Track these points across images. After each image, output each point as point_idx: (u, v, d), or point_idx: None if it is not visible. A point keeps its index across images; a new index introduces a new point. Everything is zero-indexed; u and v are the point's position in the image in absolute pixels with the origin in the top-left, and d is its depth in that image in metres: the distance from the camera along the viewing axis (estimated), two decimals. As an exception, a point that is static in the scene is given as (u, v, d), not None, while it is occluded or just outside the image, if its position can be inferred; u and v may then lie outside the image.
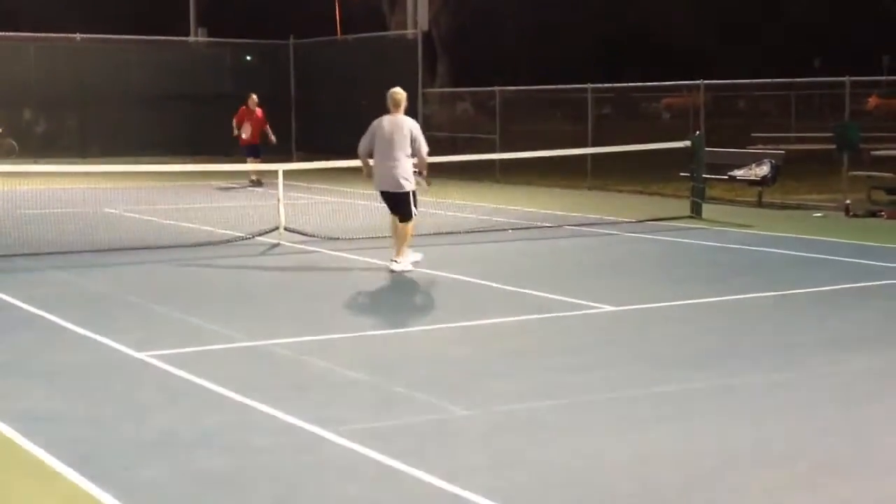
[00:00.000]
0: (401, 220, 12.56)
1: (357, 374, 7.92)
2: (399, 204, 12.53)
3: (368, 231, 15.74)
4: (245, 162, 23.42)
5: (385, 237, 14.38)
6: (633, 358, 8.47)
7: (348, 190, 22.71)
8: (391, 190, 12.50)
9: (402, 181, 12.41)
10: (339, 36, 36.42)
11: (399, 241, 12.57)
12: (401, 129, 12.41)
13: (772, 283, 11.73)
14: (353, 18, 40.33)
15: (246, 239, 15.08)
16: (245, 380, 7.69)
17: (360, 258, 13.63)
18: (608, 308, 10.43)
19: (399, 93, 12.64)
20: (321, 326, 9.63)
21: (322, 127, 30.26)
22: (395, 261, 12.48)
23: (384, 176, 12.47)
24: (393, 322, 10.11)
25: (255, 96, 24.49)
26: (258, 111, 24.37)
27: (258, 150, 24.26)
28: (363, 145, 12.67)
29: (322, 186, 23.16)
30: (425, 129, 27.61)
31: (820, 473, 5.91)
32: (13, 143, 28.86)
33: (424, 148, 12.54)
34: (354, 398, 7.33)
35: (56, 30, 31.27)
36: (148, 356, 8.33)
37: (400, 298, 11.42)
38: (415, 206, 12.60)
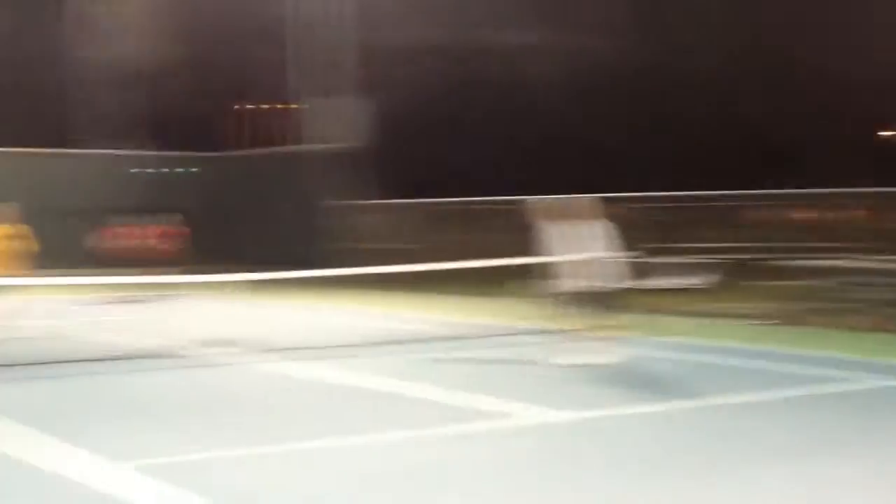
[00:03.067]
0: None
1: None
2: None
3: (281, 341, 15.34)
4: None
5: (299, 348, 13.84)
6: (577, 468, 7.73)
7: (263, 301, 21.89)
8: None
9: None
10: (251, 150, 35.98)
11: None
12: None
13: (707, 393, 11.08)
14: (273, 131, 39.99)
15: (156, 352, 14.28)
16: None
17: (272, 368, 12.84)
18: (537, 417, 9.76)
19: None
20: (243, 438, 8.75)
21: (235, 238, 29.63)
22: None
23: None
24: (306, 434, 9.10)
25: None
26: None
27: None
28: None
29: (239, 297, 22.22)
30: (342, 240, 27.45)
31: None
32: None
33: None
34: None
35: None
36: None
37: (311, 410, 10.49)
38: None
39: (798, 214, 26.79)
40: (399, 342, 15.63)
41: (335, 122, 28.37)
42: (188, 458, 8.19)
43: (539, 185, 27.49)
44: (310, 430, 9.42)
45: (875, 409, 10.44)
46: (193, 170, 33.85)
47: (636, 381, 12.21)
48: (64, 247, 28.47)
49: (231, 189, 31.76)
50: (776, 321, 17.72)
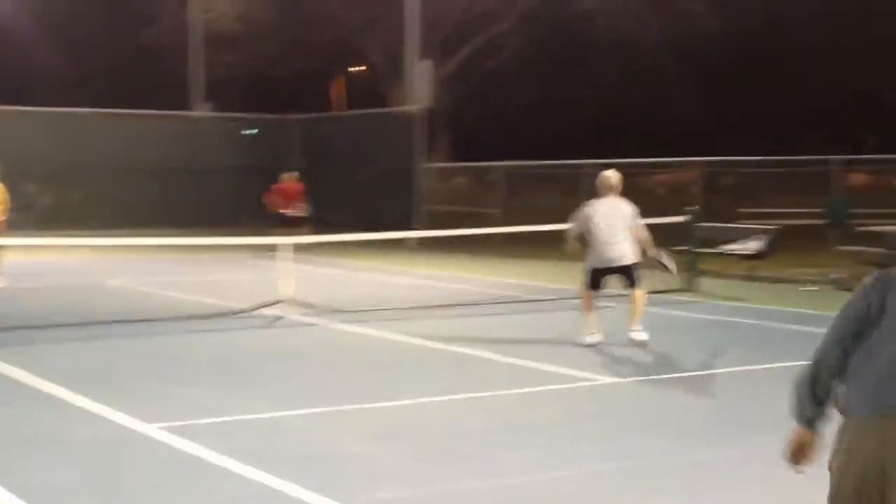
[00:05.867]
0: (633, 287, 13.12)
1: (365, 445, 8.11)
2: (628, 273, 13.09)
3: (370, 303, 16.09)
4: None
5: (386, 309, 14.90)
6: (633, 429, 8.73)
7: (351, 262, 23.02)
8: (617, 264, 13.00)
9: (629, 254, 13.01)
10: (341, 112, 36.98)
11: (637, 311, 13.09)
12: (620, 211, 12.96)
13: (765, 357, 11.93)
14: (356, 94, 40.98)
15: (248, 311, 15.29)
16: (252, 452, 7.85)
17: (364, 330, 13.87)
18: (604, 380, 10.68)
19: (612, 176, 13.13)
20: (326, 398, 9.81)
21: (325, 200, 30.60)
22: (635, 330, 12.98)
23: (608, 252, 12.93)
24: (399, 393, 10.13)
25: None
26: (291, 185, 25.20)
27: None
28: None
29: (325, 259, 23.40)
30: (424, 203, 28.53)
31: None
32: None
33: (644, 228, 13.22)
34: (362, 470, 7.50)
35: (63, 104, 31.85)
36: (157, 428, 8.52)
37: (403, 371, 11.59)
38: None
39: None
40: (462, 304, 16.64)
41: (424, 84, 29.11)
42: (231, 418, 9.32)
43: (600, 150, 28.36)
44: (366, 389, 10.53)
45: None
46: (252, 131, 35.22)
47: (679, 347, 13.16)
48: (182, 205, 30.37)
49: (321, 150, 32.81)
50: (834, 286, 18.45)
